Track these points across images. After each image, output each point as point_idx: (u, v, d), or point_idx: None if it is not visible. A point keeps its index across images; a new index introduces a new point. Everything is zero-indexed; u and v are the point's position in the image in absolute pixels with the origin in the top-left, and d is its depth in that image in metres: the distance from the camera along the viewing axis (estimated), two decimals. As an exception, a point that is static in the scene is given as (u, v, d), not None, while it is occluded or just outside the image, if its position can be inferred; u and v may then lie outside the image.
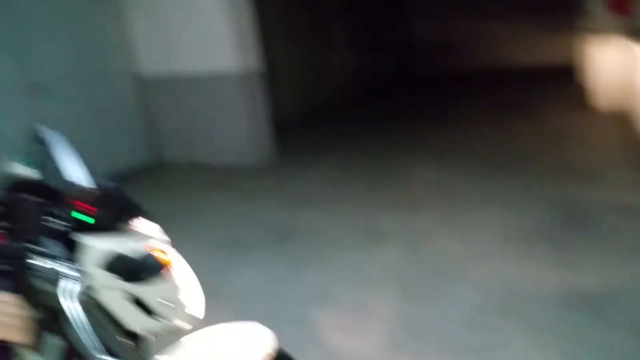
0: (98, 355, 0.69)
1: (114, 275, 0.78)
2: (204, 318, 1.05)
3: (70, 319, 0.69)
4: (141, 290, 0.86)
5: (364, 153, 5.82)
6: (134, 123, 6.08)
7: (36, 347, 0.71)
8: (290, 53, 8.18)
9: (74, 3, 5.38)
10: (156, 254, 0.82)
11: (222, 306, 2.67)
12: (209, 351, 1.13)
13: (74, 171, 0.67)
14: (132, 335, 0.94)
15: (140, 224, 0.98)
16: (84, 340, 0.68)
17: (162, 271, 0.81)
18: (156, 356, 0.98)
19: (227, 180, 5.34)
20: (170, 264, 0.84)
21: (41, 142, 0.71)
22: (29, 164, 0.80)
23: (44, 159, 0.68)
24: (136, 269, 0.79)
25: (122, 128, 5.94)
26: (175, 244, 1.03)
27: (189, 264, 1.00)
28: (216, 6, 5.38)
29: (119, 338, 0.87)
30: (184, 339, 1.11)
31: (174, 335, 1.01)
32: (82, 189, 0.65)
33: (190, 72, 5.77)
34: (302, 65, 8.60)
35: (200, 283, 1.03)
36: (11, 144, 4.63)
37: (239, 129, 5.71)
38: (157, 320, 0.93)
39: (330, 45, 9.43)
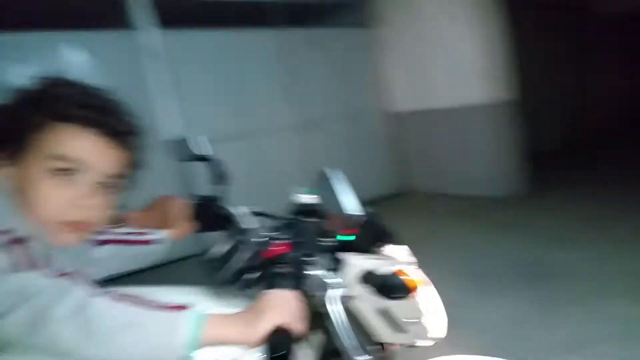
0: (357, 357, 0.81)
1: (367, 289, 0.91)
2: (443, 347, 1.09)
3: (334, 321, 0.82)
4: (389, 305, 0.97)
5: (631, 191, 5.03)
6: (384, 154, 6.57)
7: (307, 339, 0.88)
8: (551, 80, 7.69)
9: (337, 49, 6.13)
10: (404, 276, 0.92)
11: (464, 339, 2.64)
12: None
13: (348, 201, 0.82)
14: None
15: (392, 248, 1.10)
16: (345, 340, 0.81)
17: (408, 292, 0.90)
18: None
19: (474, 210, 5.26)
20: (416, 287, 0.92)
21: (323, 177, 0.89)
22: (310, 192, 1.00)
23: (324, 189, 0.85)
24: (385, 287, 0.90)
25: (374, 159, 6.46)
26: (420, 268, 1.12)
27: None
28: (469, 40, 5.45)
29: (368, 346, 0.99)
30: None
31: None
32: (352, 217, 0.79)
33: (440, 105, 5.96)
34: (564, 92, 7.98)
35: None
36: (287, 173, 5.58)
37: (488, 159, 5.60)
38: (402, 335, 1.02)
39: (597, 69, 8.51)
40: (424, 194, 6.30)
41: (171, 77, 4.88)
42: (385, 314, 0.98)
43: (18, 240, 0.69)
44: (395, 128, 6.59)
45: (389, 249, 1.07)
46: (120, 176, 0.85)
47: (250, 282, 0.88)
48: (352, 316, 0.98)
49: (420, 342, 1.08)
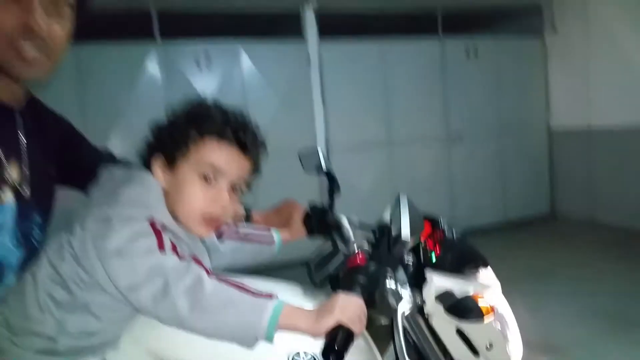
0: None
1: (441, 307, 0.98)
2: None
3: (396, 331, 0.92)
4: (465, 326, 1.02)
5: None
6: (536, 174, 6.18)
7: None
8: None
9: (499, 59, 5.93)
10: (479, 300, 0.97)
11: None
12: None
13: (404, 225, 0.91)
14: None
15: (480, 273, 1.14)
16: (398, 350, 0.90)
17: (480, 316, 0.95)
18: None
19: (629, 244, 4.71)
20: (490, 312, 0.97)
21: (397, 200, 0.99)
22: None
23: (397, 212, 0.95)
24: (457, 308, 0.96)
25: (525, 178, 6.11)
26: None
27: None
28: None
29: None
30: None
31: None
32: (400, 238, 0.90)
33: (602, 124, 5.44)
34: None
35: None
36: (424, 184, 5.60)
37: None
38: (478, 358, 1.07)
39: None
40: (573, 221, 5.82)
41: (323, 85, 5.22)
42: (462, 335, 1.04)
43: (163, 228, 0.92)
44: (553, 147, 6.17)
45: (476, 273, 1.12)
46: (247, 181, 1.05)
47: (335, 285, 1.01)
48: (432, 331, 1.07)
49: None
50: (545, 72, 6.14)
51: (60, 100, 1.10)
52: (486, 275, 1.14)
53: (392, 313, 0.92)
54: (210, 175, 0.96)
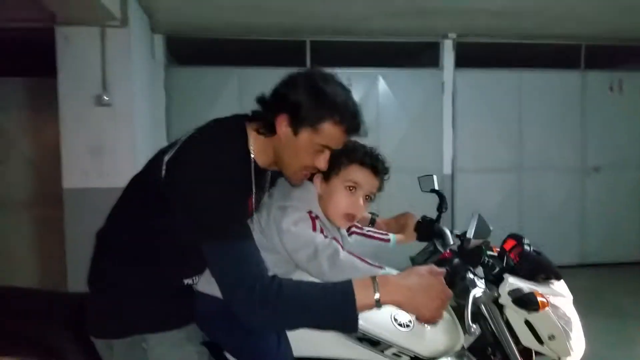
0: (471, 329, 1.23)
1: (510, 299, 1.31)
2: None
3: (466, 307, 1.26)
4: (531, 318, 1.33)
5: None
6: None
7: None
8: None
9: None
10: (539, 297, 1.28)
11: None
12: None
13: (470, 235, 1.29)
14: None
15: (553, 283, 1.44)
16: (466, 320, 1.24)
17: (536, 307, 1.26)
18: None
19: None
20: (546, 306, 1.27)
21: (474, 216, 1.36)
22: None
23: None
24: (519, 299, 1.28)
25: None
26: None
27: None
28: None
29: (513, 345, 1.36)
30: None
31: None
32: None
33: None
34: None
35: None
36: (554, 211, 5.56)
37: None
38: (542, 347, 1.37)
39: None
40: None
41: (455, 110, 5.49)
42: (529, 325, 1.36)
43: (316, 217, 1.37)
44: None
45: (550, 282, 1.43)
46: (374, 194, 1.47)
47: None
48: (506, 321, 1.39)
49: (558, 355, 1.40)
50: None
51: (228, 111, 1.44)
52: (558, 285, 1.44)
53: (466, 295, 1.27)
54: (352, 188, 1.40)
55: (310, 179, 1.43)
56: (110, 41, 3.92)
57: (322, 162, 1.33)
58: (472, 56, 5.48)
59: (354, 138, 1.39)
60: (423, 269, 1.23)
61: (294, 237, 1.28)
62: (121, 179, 1.42)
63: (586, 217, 5.75)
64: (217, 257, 1.18)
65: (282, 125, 1.27)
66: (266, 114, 1.30)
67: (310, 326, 1.24)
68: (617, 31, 5.28)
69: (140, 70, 4.33)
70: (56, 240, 4.07)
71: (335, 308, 1.16)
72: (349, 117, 1.29)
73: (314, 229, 1.31)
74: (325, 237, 1.31)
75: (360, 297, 1.15)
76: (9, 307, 1.44)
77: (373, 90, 5.43)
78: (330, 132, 1.27)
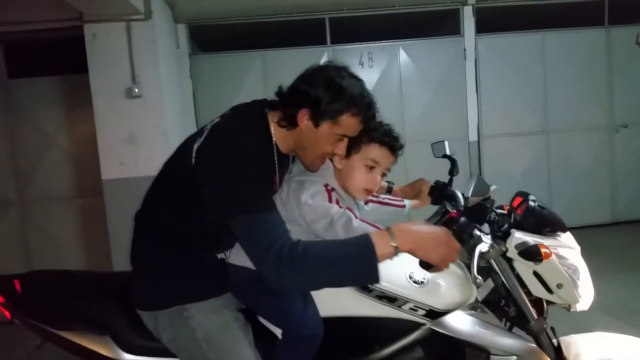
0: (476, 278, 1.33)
1: (516, 252, 1.40)
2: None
3: (472, 259, 1.35)
4: (539, 269, 1.42)
5: None
6: None
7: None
8: None
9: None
10: (543, 249, 1.37)
11: None
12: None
13: (475, 189, 1.37)
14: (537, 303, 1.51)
15: (560, 236, 1.52)
16: (472, 270, 1.33)
17: (539, 257, 1.35)
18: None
19: None
20: (549, 256, 1.36)
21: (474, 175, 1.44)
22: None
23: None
24: (523, 251, 1.37)
25: None
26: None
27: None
28: None
29: (524, 295, 1.46)
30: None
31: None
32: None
33: None
34: None
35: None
36: (582, 172, 5.51)
37: None
38: (551, 295, 1.46)
39: None
40: None
41: (478, 77, 5.48)
42: (538, 276, 1.45)
43: (332, 190, 1.48)
44: None
45: (556, 234, 1.51)
46: (389, 169, 1.58)
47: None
48: (516, 274, 1.49)
49: (572, 309, 1.49)
50: None
51: (254, 95, 1.59)
52: (564, 237, 1.52)
53: (473, 250, 1.37)
54: (371, 165, 1.51)
55: None
56: (135, 35, 4.09)
57: (341, 149, 1.45)
58: (492, 21, 5.42)
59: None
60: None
61: (311, 209, 1.41)
62: (156, 167, 1.54)
63: (615, 175, 5.69)
64: (246, 229, 1.30)
65: (304, 119, 1.39)
66: (287, 108, 1.41)
67: (336, 283, 1.35)
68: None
69: (167, 61, 4.49)
70: (99, 229, 4.33)
71: (358, 260, 1.27)
72: (365, 108, 1.41)
73: (330, 200, 1.43)
74: (340, 207, 1.42)
75: (380, 246, 1.27)
76: (64, 287, 1.62)
77: (394, 62, 5.46)
78: (348, 123, 1.39)
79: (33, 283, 1.57)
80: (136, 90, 4.09)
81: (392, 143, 1.52)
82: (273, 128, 1.43)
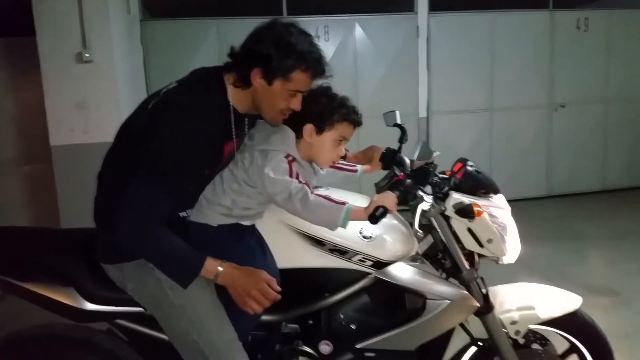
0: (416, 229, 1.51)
1: (453, 211, 1.57)
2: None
3: (413, 215, 1.52)
4: (472, 225, 1.59)
5: None
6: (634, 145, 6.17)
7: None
8: None
9: (613, 33, 5.98)
10: (476, 207, 1.54)
11: None
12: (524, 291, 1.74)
13: (420, 153, 1.53)
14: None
15: (493, 197, 1.70)
16: (413, 225, 1.50)
17: (472, 215, 1.53)
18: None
19: None
20: (481, 214, 1.53)
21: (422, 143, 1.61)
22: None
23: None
24: (459, 210, 1.54)
25: (627, 147, 6.22)
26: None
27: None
28: None
29: (458, 249, 1.64)
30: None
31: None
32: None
33: None
34: None
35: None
36: (523, 148, 5.87)
37: None
38: (482, 249, 1.64)
39: None
40: None
41: (430, 54, 5.66)
42: (471, 232, 1.63)
43: (293, 160, 1.58)
44: None
45: (491, 196, 1.68)
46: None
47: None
48: (452, 231, 1.66)
49: (500, 261, 1.68)
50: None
51: (208, 64, 1.60)
52: (496, 198, 1.70)
53: (415, 208, 1.53)
54: (340, 140, 1.62)
55: (284, 121, 1.62)
56: (86, -2, 3.97)
57: (296, 103, 1.52)
58: (447, 0, 5.59)
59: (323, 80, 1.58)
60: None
61: (273, 182, 1.50)
62: (106, 134, 1.54)
63: (553, 151, 6.09)
64: (141, 187, 1.37)
65: (257, 78, 1.44)
66: (240, 68, 1.46)
67: (160, 267, 1.46)
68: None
69: (118, 26, 4.39)
70: (47, 195, 4.26)
71: (184, 266, 1.45)
72: (314, 63, 1.47)
73: (290, 174, 1.53)
74: (300, 182, 1.52)
75: (206, 271, 1.44)
76: (27, 242, 1.66)
77: (350, 37, 5.55)
78: (299, 78, 1.46)
79: (-6, 237, 1.60)
80: (87, 55, 3.99)
81: (358, 120, 1.65)
82: (230, 90, 1.49)
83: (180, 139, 1.37)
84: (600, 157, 6.18)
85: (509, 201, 1.73)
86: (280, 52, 1.42)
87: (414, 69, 5.67)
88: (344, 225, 1.47)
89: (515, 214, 1.71)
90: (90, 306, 1.52)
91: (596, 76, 6.01)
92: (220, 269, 1.44)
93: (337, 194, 1.58)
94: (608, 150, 6.17)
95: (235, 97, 1.50)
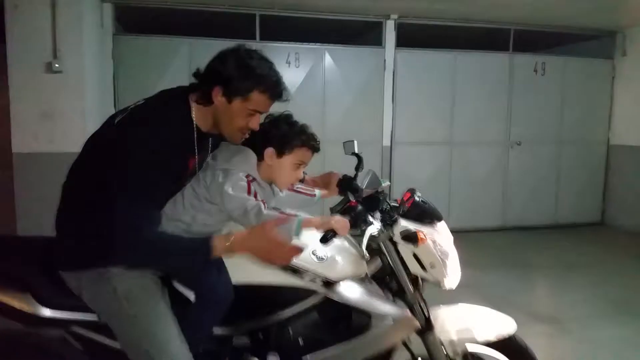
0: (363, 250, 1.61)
1: (400, 237, 1.69)
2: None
3: (364, 240, 1.64)
4: (416, 251, 1.72)
5: None
6: (591, 184, 6.58)
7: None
8: None
9: (568, 79, 6.35)
10: (420, 234, 1.66)
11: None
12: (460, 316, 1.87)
13: (368, 183, 1.66)
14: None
15: (437, 224, 1.83)
16: (362, 248, 1.62)
17: (416, 241, 1.65)
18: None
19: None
20: (424, 241, 1.66)
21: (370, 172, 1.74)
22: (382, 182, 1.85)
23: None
24: (405, 236, 1.67)
25: (579, 186, 6.55)
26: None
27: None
28: None
29: (404, 273, 1.76)
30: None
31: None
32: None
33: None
34: None
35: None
36: (481, 182, 6.13)
37: None
38: (426, 274, 1.76)
39: None
40: (622, 229, 6.34)
41: (395, 87, 5.90)
42: (416, 257, 1.75)
43: (252, 180, 1.67)
44: (608, 159, 6.57)
45: (435, 224, 1.81)
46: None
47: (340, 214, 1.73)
48: (399, 255, 1.77)
49: (442, 286, 1.80)
50: (611, 92, 6.45)
51: (178, 81, 1.73)
52: (440, 226, 1.83)
53: (364, 232, 1.64)
54: (299, 164, 1.73)
55: (246, 144, 1.71)
56: (60, 9, 4.01)
57: (254, 123, 1.62)
58: (412, 37, 5.86)
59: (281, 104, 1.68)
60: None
61: (231, 198, 1.59)
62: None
63: (508, 186, 6.38)
64: (120, 199, 1.43)
65: (218, 96, 1.54)
66: (203, 86, 1.57)
67: (175, 265, 1.60)
68: (542, 17, 5.78)
69: (90, 39, 4.44)
70: (6, 203, 4.20)
71: (197, 253, 1.54)
72: (272, 85, 1.58)
73: (249, 192, 1.62)
74: (256, 200, 1.61)
75: (217, 249, 1.52)
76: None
77: (320, 65, 5.73)
78: (257, 99, 1.56)
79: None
80: (57, 65, 4.02)
81: (316, 146, 1.76)
82: (194, 108, 1.58)
83: (147, 151, 1.44)
84: (553, 194, 6.51)
85: (465, 231, 1.88)
86: (240, 72, 1.52)
87: (379, 100, 5.89)
88: (297, 234, 1.55)
89: (470, 244, 1.84)
90: (47, 312, 1.56)
91: (551, 117, 6.38)
92: (229, 243, 1.51)
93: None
94: (561, 187, 6.51)
95: (198, 115, 1.59)
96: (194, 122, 1.58)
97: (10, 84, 3.98)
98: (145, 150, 1.45)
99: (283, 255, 1.54)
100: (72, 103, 4.14)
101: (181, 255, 1.52)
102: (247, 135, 1.67)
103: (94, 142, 1.61)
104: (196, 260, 1.53)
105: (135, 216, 1.45)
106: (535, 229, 6.37)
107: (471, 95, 6.10)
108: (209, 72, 1.57)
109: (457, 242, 1.83)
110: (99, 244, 1.53)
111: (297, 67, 5.62)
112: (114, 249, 1.44)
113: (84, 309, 1.57)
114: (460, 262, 1.81)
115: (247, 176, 1.65)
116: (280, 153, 1.71)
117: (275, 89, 1.59)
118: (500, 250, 5.52)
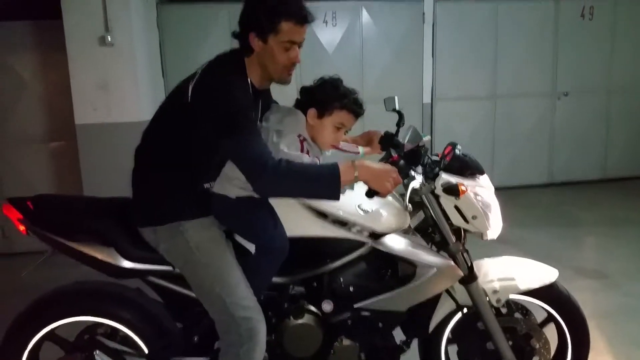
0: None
1: (441, 189, 1.79)
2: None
3: (405, 190, 1.74)
4: (458, 203, 1.81)
5: None
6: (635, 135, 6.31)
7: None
8: None
9: (618, 23, 6.08)
10: (462, 187, 1.75)
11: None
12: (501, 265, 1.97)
13: (410, 137, 1.74)
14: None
15: (479, 178, 1.91)
16: (405, 200, 1.72)
17: (457, 194, 1.74)
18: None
19: None
20: (464, 193, 1.74)
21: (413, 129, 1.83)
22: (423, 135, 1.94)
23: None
24: (446, 188, 1.76)
25: (628, 138, 6.36)
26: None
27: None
28: None
29: (446, 224, 1.86)
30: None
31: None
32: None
33: None
34: None
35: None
36: (525, 135, 6.03)
37: None
38: (468, 225, 1.86)
39: None
40: None
41: (435, 41, 5.82)
42: (457, 208, 1.85)
43: (304, 140, 1.80)
44: None
45: (477, 177, 1.90)
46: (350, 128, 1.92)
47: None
48: (441, 207, 1.88)
49: (484, 237, 1.89)
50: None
51: (220, 48, 1.83)
52: (482, 179, 1.91)
53: (407, 186, 1.75)
54: (339, 127, 1.84)
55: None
56: (108, -19, 4.18)
57: (295, 56, 1.73)
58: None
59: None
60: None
61: (287, 156, 1.71)
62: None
63: (555, 139, 6.25)
64: (239, 148, 1.60)
65: (254, 41, 1.67)
66: (242, 38, 1.70)
67: (307, 194, 1.71)
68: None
69: (137, 10, 4.60)
70: (72, 171, 4.52)
71: (325, 180, 1.63)
72: (296, 11, 1.66)
73: (302, 150, 1.77)
74: (309, 156, 1.76)
75: (344, 173, 1.63)
76: (72, 206, 1.91)
77: (357, 22, 5.71)
78: (287, 28, 1.66)
79: (44, 202, 1.85)
80: (109, 38, 4.22)
81: (358, 110, 1.86)
82: (247, 63, 1.73)
83: (229, 101, 1.60)
84: (602, 146, 6.33)
85: (509, 188, 1.94)
86: (264, 10, 1.64)
87: (419, 55, 5.83)
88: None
89: (514, 201, 1.92)
90: (128, 264, 1.78)
91: (600, 65, 6.14)
92: (355, 170, 1.64)
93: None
94: (610, 139, 6.32)
95: (251, 71, 1.74)
96: (249, 79, 1.73)
97: (69, 57, 4.21)
98: (231, 95, 1.60)
99: (392, 182, 1.67)
100: (125, 74, 4.34)
101: (313, 179, 1.64)
102: (292, 71, 1.78)
103: (168, 108, 1.77)
104: (325, 183, 1.63)
105: (259, 146, 1.62)
106: (582, 184, 6.25)
107: (514, 45, 5.94)
108: (241, 23, 1.70)
109: (500, 200, 1.89)
110: (172, 202, 1.74)
111: (334, 26, 5.62)
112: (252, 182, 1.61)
113: (160, 261, 1.78)
114: (503, 219, 1.88)
115: (298, 135, 1.79)
116: (321, 114, 1.83)
117: (299, 13, 1.67)
118: (546, 206, 5.47)
